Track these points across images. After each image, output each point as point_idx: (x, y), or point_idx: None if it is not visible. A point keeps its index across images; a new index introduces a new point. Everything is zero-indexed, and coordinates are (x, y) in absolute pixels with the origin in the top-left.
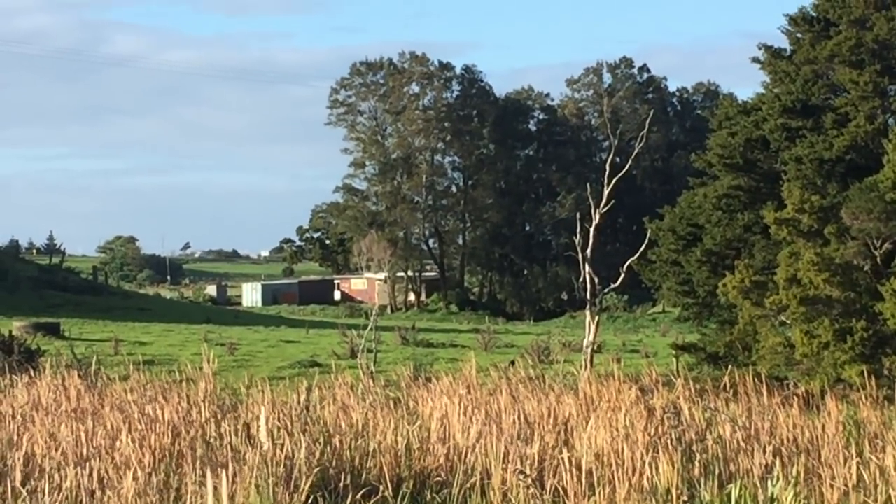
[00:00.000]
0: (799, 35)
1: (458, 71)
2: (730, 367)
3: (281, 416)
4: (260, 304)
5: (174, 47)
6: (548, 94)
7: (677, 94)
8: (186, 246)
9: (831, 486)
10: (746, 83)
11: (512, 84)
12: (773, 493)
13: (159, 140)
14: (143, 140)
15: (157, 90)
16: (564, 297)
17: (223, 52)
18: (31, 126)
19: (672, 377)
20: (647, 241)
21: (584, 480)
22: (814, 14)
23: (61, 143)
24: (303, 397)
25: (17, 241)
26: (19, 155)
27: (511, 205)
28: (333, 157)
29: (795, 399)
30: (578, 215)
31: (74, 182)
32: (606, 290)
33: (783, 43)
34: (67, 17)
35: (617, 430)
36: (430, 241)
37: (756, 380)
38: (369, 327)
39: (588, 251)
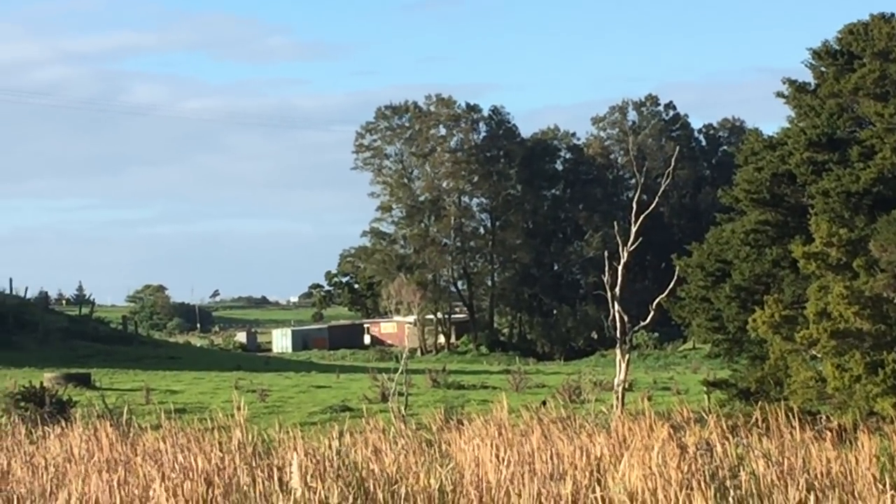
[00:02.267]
0: (823, 69)
1: (485, 112)
2: (761, 402)
3: (313, 461)
4: (290, 350)
5: (193, 96)
6: (574, 134)
7: (703, 130)
8: (215, 293)
9: None
10: (766, 118)
11: (530, 124)
12: None
13: (182, 188)
14: (166, 189)
15: (178, 139)
16: (594, 335)
17: (242, 99)
18: (54, 177)
19: (704, 414)
20: (675, 278)
21: None
22: (837, 47)
23: (84, 194)
24: (335, 442)
25: (46, 293)
26: (43, 206)
27: (539, 245)
28: (357, 201)
29: (828, 433)
30: (606, 254)
31: (99, 232)
32: (636, 329)
33: (806, 77)
34: (85, 69)
35: (650, 468)
36: (459, 283)
37: (788, 414)
38: (400, 370)
39: (617, 289)
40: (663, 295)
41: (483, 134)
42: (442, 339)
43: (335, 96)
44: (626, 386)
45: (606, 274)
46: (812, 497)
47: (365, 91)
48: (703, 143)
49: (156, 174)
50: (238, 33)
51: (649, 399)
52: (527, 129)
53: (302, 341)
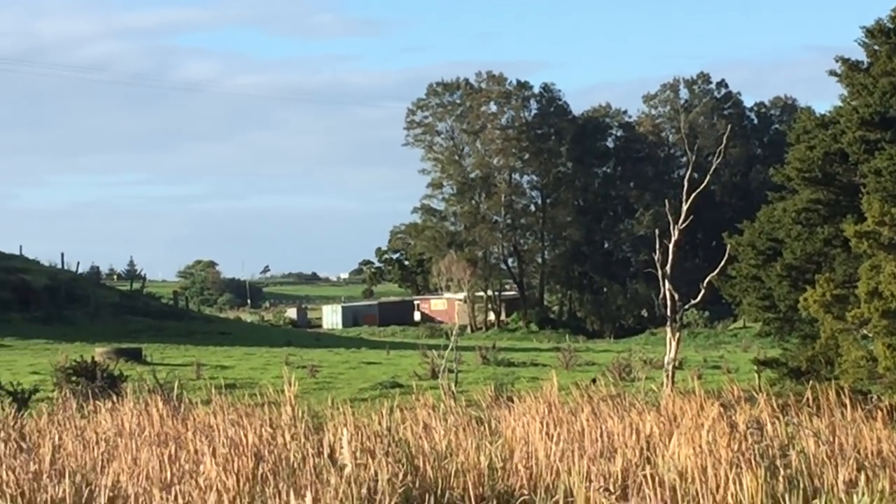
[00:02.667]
0: (876, 47)
1: (535, 90)
2: (812, 381)
3: (363, 437)
4: (340, 326)
5: (244, 72)
6: (625, 111)
7: (755, 108)
8: (266, 269)
9: None
10: (818, 96)
11: (581, 102)
12: None
13: (233, 165)
14: (217, 165)
15: (228, 115)
16: (644, 314)
17: (293, 75)
18: (105, 153)
19: (754, 393)
20: (726, 256)
21: (668, 497)
22: (890, 26)
23: (136, 170)
24: (385, 419)
25: (97, 268)
26: (95, 182)
27: (589, 222)
28: (408, 178)
29: (879, 413)
30: (657, 232)
31: (151, 208)
32: (687, 307)
33: (859, 55)
34: (137, 44)
35: (700, 446)
36: (510, 261)
37: (839, 394)
38: (450, 347)
39: (667, 268)
40: (714, 273)
41: (534, 111)
42: (492, 316)
43: (386, 73)
44: (677, 364)
45: (657, 252)
46: (862, 476)
47: (416, 68)
48: (755, 121)
49: (206, 150)
50: (289, 9)
51: (699, 378)
52: (578, 107)
53: (352, 317)
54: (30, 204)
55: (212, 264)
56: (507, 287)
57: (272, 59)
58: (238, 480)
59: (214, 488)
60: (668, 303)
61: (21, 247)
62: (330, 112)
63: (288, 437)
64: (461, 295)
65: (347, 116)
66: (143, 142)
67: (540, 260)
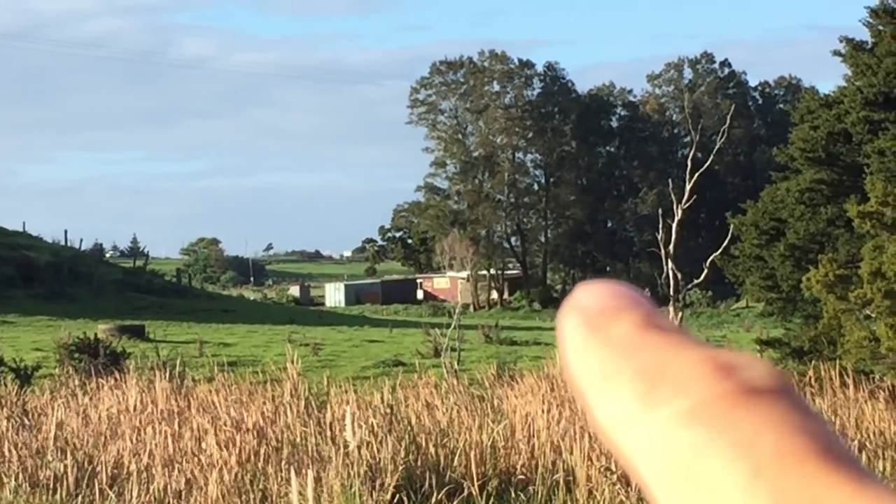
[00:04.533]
0: (881, 27)
1: (539, 68)
2: (815, 361)
3: (366, 415)
4: (343, 304)
5: (243, 49)
6: (630, 91)
7: (759, 88)
8: (269, 247)
9: None
10: (819, 76)
11: (582, 81)
12: None
13: (234, 142)
14: (218, 142)
15: (229, 92)
16: (647, 293)
17: (292, 53)
18: (105, 129)
19: None
20: (729, 236)
21: None
22: (895, 6)
23: (136, 147)
24: (387, 397)
25: (101, 245)
26: (95, 159)
27: (593, 202)
28: (409, 156)
29: (881, 393)
30: (661, 211)
31: (152, 185)
32: (690, 286)
33: (863, 35)
34: (135, 21)
35: None
36: (513, 239)
37: (842, 374)
38: (452, 326)
39: (671, 247)
40: (717, 253)
41: (538, 90)
42: (495, 294)
43: (386, 51)
44: None
45: (661, 231)
46: (864, 456)
47: (416, 46)
48: (759, 101)
49: (206, 127)
50: None
51: None
52: (578, 86)
53: (355, 296)
54: (31, 180)
55: (215, 242)
56: (510, 266)
57: (271, 36)
58: (240, 458)
59: (217, 466)
60: (672, 282)
61: (24, 223)
62: (330, 90)
63: (290, 416)
64: (464, 273)
65: (348, 94)
66: (143, 119)
67: (543, 239)
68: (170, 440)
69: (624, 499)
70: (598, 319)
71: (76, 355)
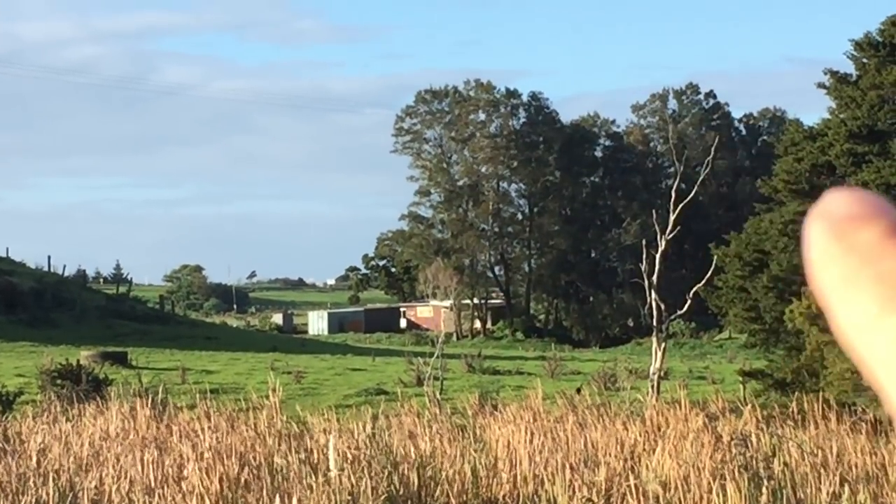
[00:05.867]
0: (864, 60)
1: (524, 98)
2: (797, 393)
3: (348, 444)
4: (326, 332)
5: (224, 77)
6: (613, 121)
7: (743, 119)
8: (252, 274)
9: None
10: (800, 109)
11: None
12: None
13: (216, 169)
14: (200, 169)
15: (210, 119)
16: (630, 323)
17: (273, 81)
18: (88, 155)
19: (739, 404)
20: (713, 267)
21: None
22: (879, 39)
23: (119, 173)
24: (369, 425)
25: (84, 271)
26: (77, 185)
27: (577, 232)
28: (391, 184)
29: (864, 425)
30: (644, 242)
31: (135, 212)
32: (673, 317)
33: (845, 67)
34: (116, 48)
35: (684, 457)
36: (496, 269)
37: (824, 406)
38: (435, 355)
39: (654, 278)
40: (701, 284)
41: (522, 120)
42: (478, 324)
43: (368, 79)
44: (662, 374)
45: (644, 262)
46: (846, 489)
47: (397, 74)
48: (743, 132)
49: (189, 154)
50: (269, 15)
51: (685, 388)
52: (560, 116)
53: (338, 324)
54: (14, 206)
55: (198, 269)
56: (494, 295)
57: (252, 64)
58: (221, 485)
59: (197, 493)
60: (655, 313)
61: (7, 249)
62: (312, 118)
63: (272, 443)
64: (447, 302)
65: (329, 122)
66: (125, 145)
67: (527, 268)
68: (151, 467)
69: None
70: (843, 226)
71: (58, 381)
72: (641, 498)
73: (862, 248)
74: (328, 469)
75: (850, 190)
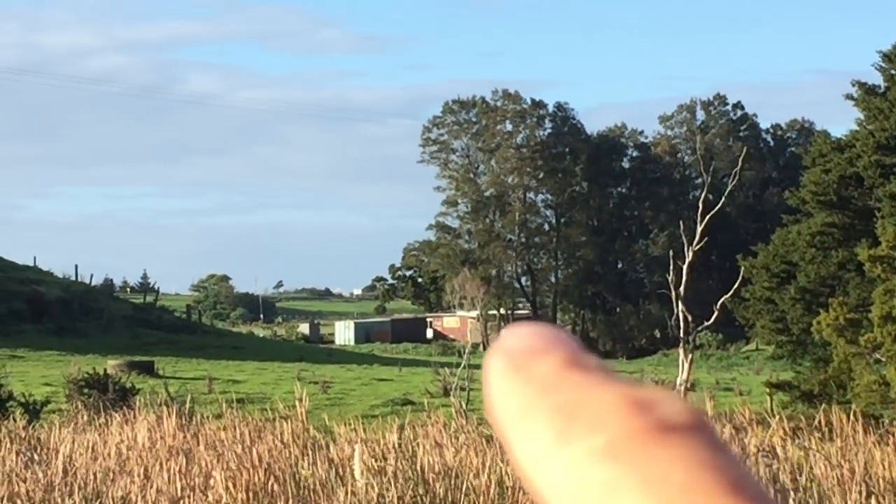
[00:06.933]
0: (893, 72)
1: (550, 108)
2: (824, 405)
3: (374, 454)
4: (353, 342)
5: (248, 86)
6: (641, 132)
7: (770, 130)
8: (279, 284)
9: None
10: (826, 120)
11: (587, 122)
12: None
13: (240, 179)
14: (225, 179)
15: (234, 129)
16: (657, 335)
17: (297, 91)
18: (112, 165)
19: (766, 416)
20: (740, 278)
21: None
22: None
23: (143, 182)
24: (396, 436)
25: (111, 280)
26: (102, 194)
27: (604, 242)
28: (417, 195)
29: (890, 437)
30: (671, 253)
31: (160, 221)
32: (700, 329)
33: (872, 78)
34: (140, 58)
35: None
36: (523, 279)
37: (851, 418)
38: (462, 365)
39: (681, 289)
40: (728, 295)
41: (549, 130)
42: None
43: (391, 90)
44: (689, 386)
45: (671, 273)
46: (873, 501)
47: (421, 85)
48: (771, 143)
49: (213, 164)
50: (292, 25)
51: (712, 400)
52: (585, 127)
53: (364, 334)
54: (40, 215)
55: (225, 278)
56: (520, 306)
57: (276, 74)
58: (247, 495)
59: (224, 502)
60: (682, 324)
61: (35, 258)
62: (336, 128)
63: (298, 453)
64: (474, 313)
65: (353, 133)
66: (149, 154)
67: (553, 279)
68: (177, 476)
69: None
70: (521, 358)
71: (85, 390)
72: None
73: (540, 380)
74: (354, 479)
75: (528, 325)
